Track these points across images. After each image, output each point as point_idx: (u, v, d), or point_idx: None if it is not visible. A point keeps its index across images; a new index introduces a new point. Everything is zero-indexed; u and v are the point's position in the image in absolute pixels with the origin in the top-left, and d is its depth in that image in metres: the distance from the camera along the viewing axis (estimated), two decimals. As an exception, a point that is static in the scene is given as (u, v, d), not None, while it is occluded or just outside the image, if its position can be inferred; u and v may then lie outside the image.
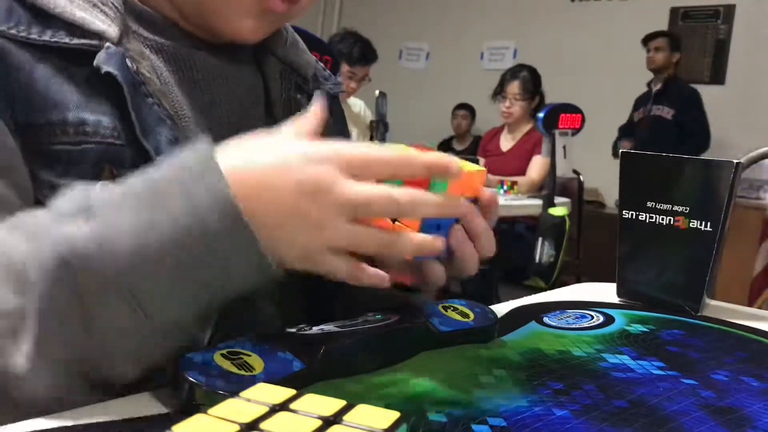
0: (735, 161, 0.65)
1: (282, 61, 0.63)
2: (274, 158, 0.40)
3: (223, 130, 0.56)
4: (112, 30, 0.49)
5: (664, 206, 0.68)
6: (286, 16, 0.57)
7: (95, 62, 0.47)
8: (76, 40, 0.48)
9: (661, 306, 0.68)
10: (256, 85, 0.61)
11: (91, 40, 0.48)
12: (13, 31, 0.47)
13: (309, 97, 0.64)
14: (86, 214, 0.37)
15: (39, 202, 0.47)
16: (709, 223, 0.66)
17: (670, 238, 0.68)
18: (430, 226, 0.42)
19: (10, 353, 0.36)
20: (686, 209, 0.67)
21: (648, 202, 0.68)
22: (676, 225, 0.67)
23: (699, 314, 0.67)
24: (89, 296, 0.36)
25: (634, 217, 0.69)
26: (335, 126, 0.68)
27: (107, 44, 0.48)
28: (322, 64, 0.68)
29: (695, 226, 0.67)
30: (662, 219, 0.68)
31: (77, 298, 0.36)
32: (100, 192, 0.39)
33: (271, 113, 0.62)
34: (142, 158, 0.48)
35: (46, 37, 0.48)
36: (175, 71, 0.54)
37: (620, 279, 0.71)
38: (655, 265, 0.69)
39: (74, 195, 0.39)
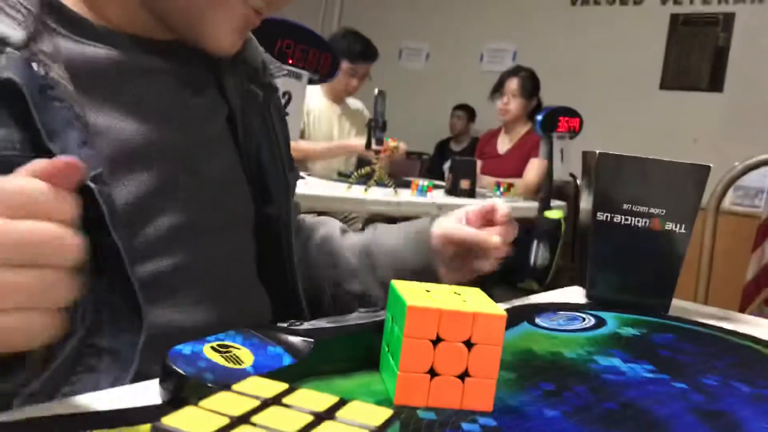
0: (709, 165, 0.68)
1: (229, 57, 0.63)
2: None
3: (160, 119, 0.56)
4: (16, 34, 0.47)
5: (641, 209, 0.69)
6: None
7: None
8: None
9: (631, 306, 0.69)
10: (205, 77, 0.62)
11: None
12: None
13: (262, 87, 0.66)
14: None
15: None
16: (683, 225, 0.68)
17: (645, 239, 0.69)
18: None
19: None
20: (662, 211, 0.69)
21: (624, 205, 0.69)
22: (651, 227, 0.69)
23: (668, 313, 0.69)
24: None
25: (608, 219, 0.70)
26: (266, 128, 0.67)
27: (8, 49, 0.46)
28: (268, 54, 0.69)
29: (670, 227, 0.69)
30: (638, 221, 0.69)
31: None
32: None
33: (228, 104, 0.63)
34: None
35: None
36: (91, 71, 0.53)
37: (591, 280, 0.72)
38: (627, 267, 0.71)
39: None
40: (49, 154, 0.47)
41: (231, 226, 0.62)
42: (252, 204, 0.65)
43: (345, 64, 2.64)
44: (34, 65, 0.47)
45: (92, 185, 0.48)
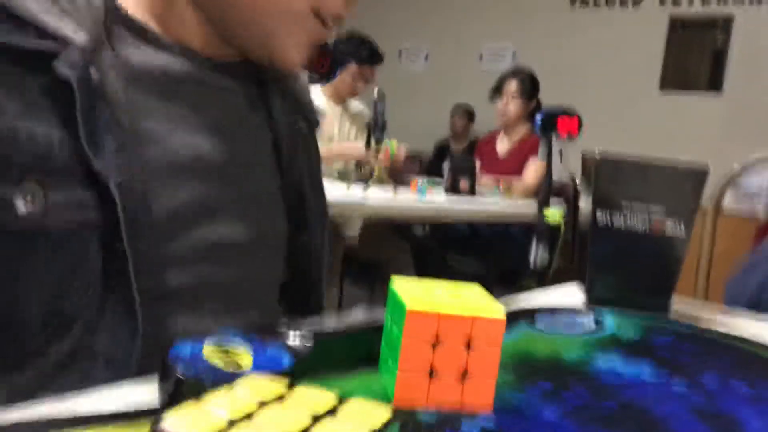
0: (708, 166, 0.69)
1: (281, 86, 0.65)
2: None
3: (213, 133, 0.57)
4: (80, 37, 0.48)
5: (640, 210, 0.69)
6: None
7: (54, 65, 0.46)
8: (35, 42, 0.47)
9: (630, 307, 0.69)
10: (257, 99, 0.63)
11: (57, 44, 0.47)
12: None
13: (307, 122, 0.67)
14: None
15: None
16: (682, 226, 0.69)
17: (644, 241, 0.69)
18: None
19: None
20: (662, 213, 0.69)
21: (623, 206, 0.70)
22: (652, 229, 0.69)
23: (668, 314, 0.69)
24: None
25: (608, 220, 0.70)
26: (308, 160, 0.69)
27: (70, 51, 0.47)
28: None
29: (670, 228, 0.69)
30: (637, 223, 0.69)
31: None
32: None
33: (274, 131, 0.64)
34: (80, 166, 0.48)
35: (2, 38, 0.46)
36: (151, 78, 0.54)
37: (590, 281, 0.72)
38: (626, 268, 0.71)
39: None
40: (85, 156, 0.47)
41: (263, 244, 0.62)
42: (287, 228, 0.65)
43: (352, 67, 2.65)
44: (92, 69, 0.48)
45: (116, 195, 0.48)
